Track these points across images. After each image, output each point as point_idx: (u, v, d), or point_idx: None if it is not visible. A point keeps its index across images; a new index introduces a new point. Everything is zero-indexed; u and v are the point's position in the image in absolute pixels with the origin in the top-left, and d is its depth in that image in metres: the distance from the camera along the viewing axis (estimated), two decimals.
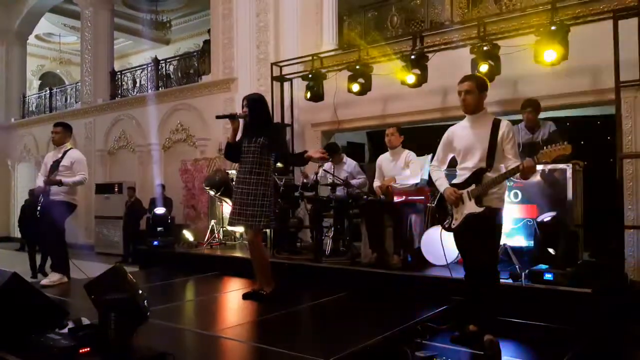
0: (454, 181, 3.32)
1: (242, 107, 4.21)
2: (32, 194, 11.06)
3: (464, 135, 3.30)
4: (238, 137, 4.25)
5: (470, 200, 3.17)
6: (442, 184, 3.35)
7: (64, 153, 5.29)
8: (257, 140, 4.11)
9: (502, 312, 3.30)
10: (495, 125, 3.18)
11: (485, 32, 5.91)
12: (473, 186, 3.17)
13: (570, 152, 2.96)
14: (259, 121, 4.17)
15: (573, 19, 5.55)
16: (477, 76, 3.47)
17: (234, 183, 4.39)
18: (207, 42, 10.87)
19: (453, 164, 3.46)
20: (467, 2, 7.03)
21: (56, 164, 5.21)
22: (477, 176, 3.16)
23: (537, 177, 4.58)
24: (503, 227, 3.34)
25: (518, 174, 3.09)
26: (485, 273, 3.16)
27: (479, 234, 3.15)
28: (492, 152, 3.14)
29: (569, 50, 5.29)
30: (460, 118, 3.43)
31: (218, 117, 4.44)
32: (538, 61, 5.44)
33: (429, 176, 5.32)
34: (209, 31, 11.62)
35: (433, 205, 5.05)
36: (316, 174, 5.92)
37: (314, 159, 4.21)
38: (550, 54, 5.30)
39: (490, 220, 3.15)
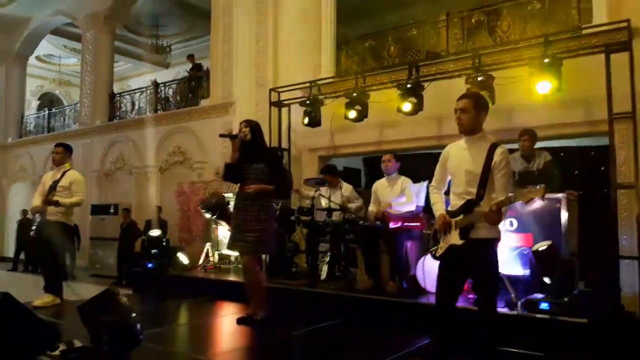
0: (450, 208, 3.17)
1: (240, 130, 4.28)
2: (26, 214, 11.11)
3: (457, 156, 3.15)
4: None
5: (455, 231, 3.01)
6: (438, 209, 3.19)
7: (63, 173, 5.32)
8: (258, 166, 4.15)
9: (497, 342, 3.26)
10: (491, 151, 3.00)
11: (479, 63, 6.01)
12: (461, 216, 3.01)
13: (543, 193, 2.85)
14: (259, 146, 4.25)
15: (566, 52, 5.66)
16: (476, 94, 3.24)
17: (231, 207, 4.42)
18: (194, 67, 11.15)
19: None
20: (462, 33, 7.18)
21: (54, 184, 5.23)
22: (467, 207, 3.00)
23: (532, 206, 4.60)
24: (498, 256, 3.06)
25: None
26: (481, 305, 3.05)
27: (459, 267, 3.01)
28: (484, 181, 2.96)
29: (563, 82, 5.39)
30: None
31: (221, 135, 4.69)
32: (532, 93, 5.54)
33: (425, 202, 5.39)
34: (190, 57, 12.00)
35: (430, 232, 5.06)
36: (313, 197, 5.93)
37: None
38: (544, 85, 5.38)
39: (475, 253, 2.94)
